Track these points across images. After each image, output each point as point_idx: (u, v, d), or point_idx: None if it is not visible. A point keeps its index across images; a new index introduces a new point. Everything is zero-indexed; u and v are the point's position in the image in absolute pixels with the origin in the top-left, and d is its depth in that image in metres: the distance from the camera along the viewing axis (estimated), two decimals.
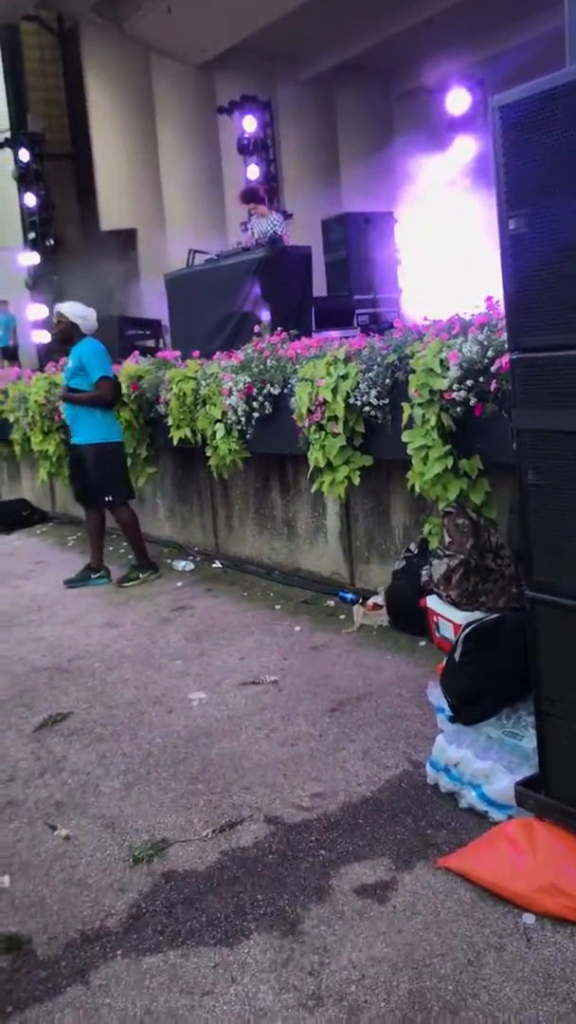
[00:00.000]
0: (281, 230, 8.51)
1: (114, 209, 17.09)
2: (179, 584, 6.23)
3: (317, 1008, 2.17)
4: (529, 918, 2.40)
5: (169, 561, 6.82)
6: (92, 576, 6.39)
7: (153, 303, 12.01)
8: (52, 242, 15.93)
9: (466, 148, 13.34)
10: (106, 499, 6.29)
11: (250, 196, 9.24)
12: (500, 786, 2.82)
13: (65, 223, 16.96)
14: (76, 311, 6.26)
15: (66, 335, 6.26)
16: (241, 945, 2.43)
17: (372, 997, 2.19)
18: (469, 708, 3.13)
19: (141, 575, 6.32)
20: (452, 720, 3.15)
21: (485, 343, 3.99)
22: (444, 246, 10.64)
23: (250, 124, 15.14)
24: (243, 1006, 2.20)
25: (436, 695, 3.33)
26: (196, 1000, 2.24)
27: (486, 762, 2.91)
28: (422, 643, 4.55)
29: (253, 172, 15.21)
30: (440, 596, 4.34)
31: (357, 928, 2.45)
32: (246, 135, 15.16)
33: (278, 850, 2.87)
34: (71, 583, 6.37)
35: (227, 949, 2.42)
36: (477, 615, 3.89)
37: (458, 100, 12.69)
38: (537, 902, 2.40)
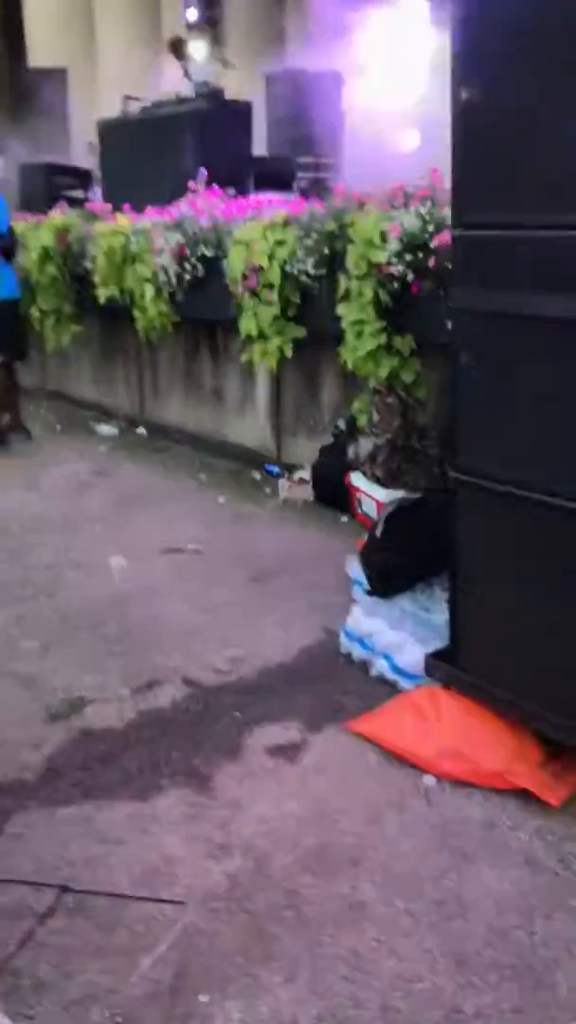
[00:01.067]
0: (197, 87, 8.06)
1: (43, 45, 15.86)
2: (101, 449, 6.14)
3: (225, 858, 2.28)
4: (430, 780, 2.54)
5: (92, 425, 6.70)
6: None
7: (82, 151, 11.36)
8: None
9: (422, 7, 12.67)
10: None
11: (173, 48, 8.73)
12: (411, 657, 2.93)
13: None
14: None
15: None
16: (154, 799, 2.51)
17: (278, 849, 2.30)
18: (386, 581, 3.22)
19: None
20: (369, 593, 3.24)
21: (427, 217, 3.90)
22: (393, 112, 10.22)
23: None
24: (154, 854, 2.29)
25: (355, 568, 3.40)
26: (108, 848, 2.32)
27: (399, 633, 3.01)
28: (344, 519, 4.61)
29: (192, 14, 14.23)
30: (364, 474, 4.38)
31: (267, 785, 2.56)
32: None
33: (194, 711, 2.95)
34: None
35: (141, 803, 2.50)
36: (400, 494, 3.95)
37: None
38: (439, 765, 2.54)
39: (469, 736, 2.54)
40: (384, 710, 2.79)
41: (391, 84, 10.89)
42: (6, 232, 5.82)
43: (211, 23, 14.57)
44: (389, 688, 2.98)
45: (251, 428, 5.81)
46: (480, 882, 2.18)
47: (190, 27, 12.20)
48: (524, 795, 2.43)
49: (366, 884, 2.18)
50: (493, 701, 2.58)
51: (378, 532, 3.35)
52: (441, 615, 2.94)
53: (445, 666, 2.72)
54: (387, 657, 3.01)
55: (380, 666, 3.04)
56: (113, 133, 8.17)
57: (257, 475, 5.42)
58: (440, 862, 2.25)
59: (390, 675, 3.00)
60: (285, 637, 3.40)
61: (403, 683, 2.95)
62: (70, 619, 3.62)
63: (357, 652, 3.15)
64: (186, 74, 8.56)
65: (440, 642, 2.86)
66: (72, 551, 4.33)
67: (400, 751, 2.62)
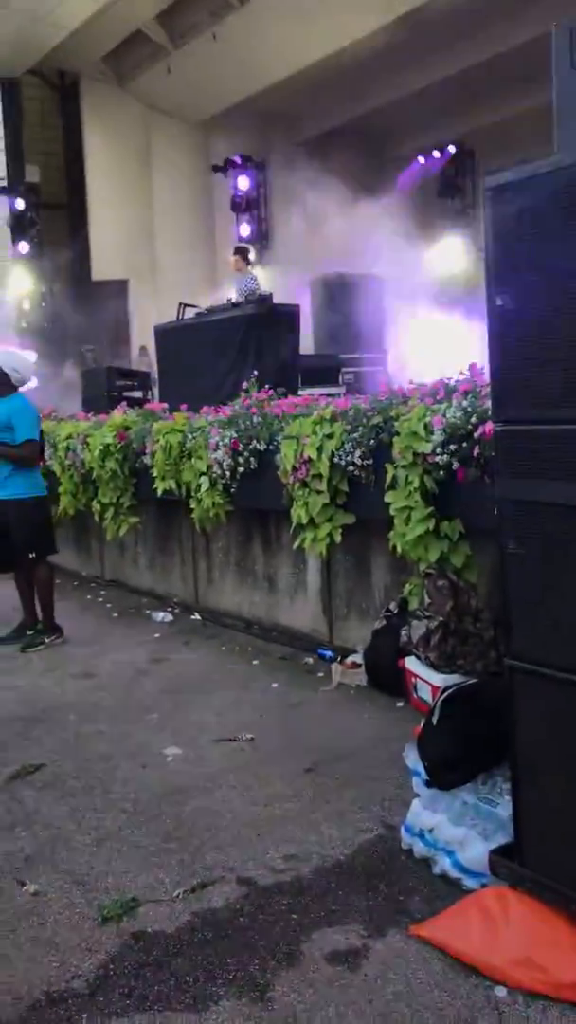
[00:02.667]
0: (244, 294, 8.63)
1: (106, 260, 17.33)
2: (157, 636, 6.20)
3: None
4: (501, 991, 2.38)
5: (148, 612, 6.81)
6: (28, 632, 6.19)
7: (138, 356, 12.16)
8: (44, 290, 16.10)
9: (454, 213, 13.66)
10: (30, 555, 6.03)
11: (239, 251, 9.43)
12: (474, 853, 2.81)
13: (57, 272, 17.15)
14: (10, 361, 6.01)
15: None
16: (210, 1011, 2.39)
17: None
18: (445, 772, 3.12)
19: (46, 639, 6.08)
20: (428, 784, 3.14)
21: (469, 409, 4.07)
22: (431, 308, 10.84)
23: (243, 183, 15.53)
24: None
25: (412, 758, 3.32)
26: None
27: (460, 828, 2.90)
28: (400, 704, 4.54)
29: (245, 229, 15.53)
30: (419, 657, 4.35)
31: (327, 996, 2.42)
32: (239, 193, 15.53)
33: (249, 913, 2.84)
34: (4, 641, 6.14)
35: (195, 1015, 2.38)
36: (456, 678, 3.91)
37: (448, 167, 13.06)
38: (510, 974, 2.38)
39: (541, 942, 2.40)
40: (449, 913, 2.66)
41: (430, 281, 11.59)
42: (37, 442, 6.07)
43: (262, 236, 15.85)
44: (454, 887, 2.85)
45: (303, 612, 5.86)
46: None
47: (241, 241, 13.24)
48: None
49: None
50: (564, 903, 2.45)
51: (434, 719, 3.29)
52: (506, 807, 2.84)
53: (510, 864, 2.61)
54: (450, 854, 2.89)
55: (443, 863, 2.92)
56: (169, 337, 8.77)
57: (310, 659, 5.41)
58: None
59: (454, 873, 2.87)
60: (342, 832, 3.30)
61: (468, 882, 2.82)
62: (125, 813, 3.56)
63: (418, 848, 3.04)
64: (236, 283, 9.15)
65: (505, 837, 2.76)
66: (127, 741, 4.31)
67: (468, 959, 2.47)
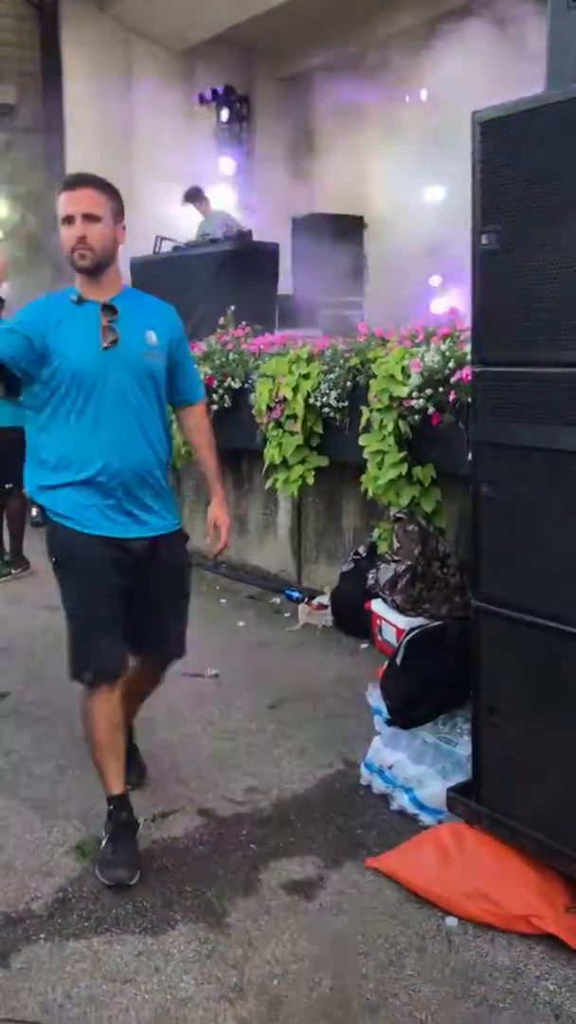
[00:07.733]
0: (222, 231, 8.42)
1: None
2: None
3: (238, 1000, 2.18)
4: (452, 921, 2.44)
5: None
6: None
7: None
8: (18, 218, 15.68)
9: (442, 157, 13.39)
10: (6, 485, 5.84)
11: (189, 196, 9.22)
12: (432, 791, 2.86)
13: (33, 199, 16.69)
14: None
15: None
16: (166, 935, 2.43)
17: (293, 992, 2.21)
18: (407, 712, 3.16)
19: (14, 571, 6.04)
20: (389, 723, 3.18)
21: (447, 353, 4.04)
22: (413, 253, 10.69)
23: (227, 115, 15.12)
24: (164, 995, 2.20)
25: (375, 697, 3.35)
26: (117, 987, 2.23)
27: (420, 766, 2.95)
28: (364, 645, 4.58)
29: (227, 164, 15.17)
30: (385, 600, 4.37)
31: (283, 923, 2.47)
32: (222, 126, 15.13)
33: (209, 842, 2.88)
34: None
35: (152, 938, 2.42)
36: (420, 621, 3.93)
37: (437, 109, 12.80)
38: (461, 906, 2.44)
39: (493, 876, 2.46)
40: (405, 847, 2.71)
41: (413, 225, 11.41)
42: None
43: (244, 171, 15.49)
44: (410, 823, 2.91)
45: (272, 553, 5.86)
46: None
47: (224, 176, 12.82)
48: (552, 940, 2.33)
49: None
50: (518, 840, 2.50)
51: (398, 660, 3.32)
52: (465, 747, 2.88)
53: (467, 801, 2.65)
54: (408, 791, 2.94)
55: (401, 800, 2.97)
56: (146, 270, 8.57)
57: (277, 600, 5.43)
58: (464, 1011, 2.14)
59: (412, 809, 2.93)
60: (303, 767, 3.35)
61: (425, 818, 2.88)
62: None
63: (378, 784, 3.09)
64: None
65: (463, 776, 2.80)
66: None
67: (421, 890, 2.53)
